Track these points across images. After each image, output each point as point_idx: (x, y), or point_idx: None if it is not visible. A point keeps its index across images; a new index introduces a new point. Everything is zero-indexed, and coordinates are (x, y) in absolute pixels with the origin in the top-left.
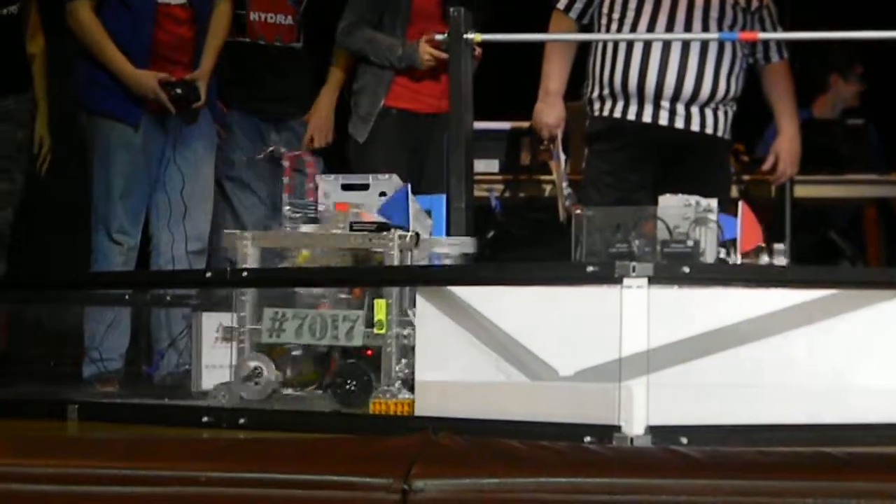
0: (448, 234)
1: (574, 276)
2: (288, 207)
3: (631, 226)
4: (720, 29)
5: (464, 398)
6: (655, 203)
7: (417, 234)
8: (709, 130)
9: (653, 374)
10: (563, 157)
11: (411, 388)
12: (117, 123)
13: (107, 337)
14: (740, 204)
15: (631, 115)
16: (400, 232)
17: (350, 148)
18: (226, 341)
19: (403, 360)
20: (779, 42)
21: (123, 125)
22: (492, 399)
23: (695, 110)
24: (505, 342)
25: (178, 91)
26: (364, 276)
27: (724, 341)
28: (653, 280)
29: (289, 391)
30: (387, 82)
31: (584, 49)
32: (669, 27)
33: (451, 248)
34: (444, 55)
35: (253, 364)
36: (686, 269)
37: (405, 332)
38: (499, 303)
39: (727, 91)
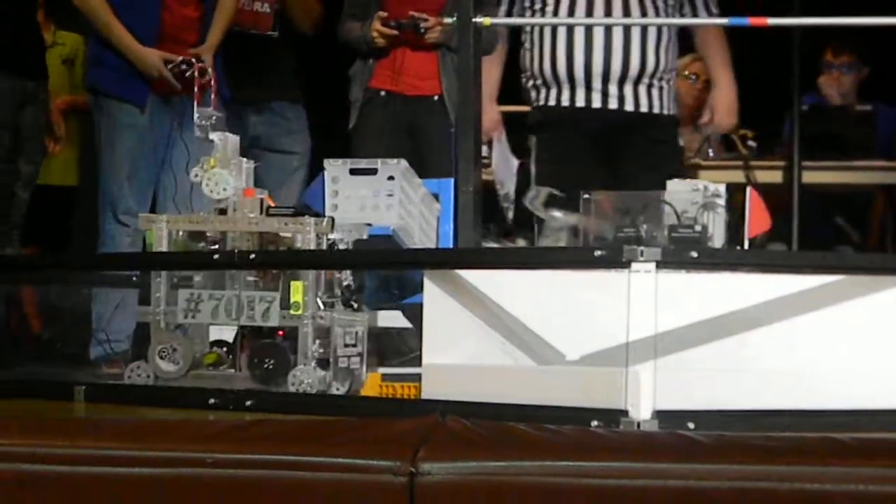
0: (456, 218)
1: (582, 259)
2: (197, 115)
3: (638, 210)
4: (643, 4)
5: (470, 381)
6: (606, 186)
7: (332, 219)
8: (643, 108)
9: (660, 358)
10: (507, 157)
11: (326, 368)
12: (124, 104)
13: (114, 318)
14: (748, 189)
15: (565, 101)
16: (316, 217)
17: None
18: (141, 321)
19: (318, 341)
20: (707, 4)
21: (130, 106)
22: (499, 382)
23: (628, 89)
24: (512, 326)
25: (183, 67)
26: (371, 258)
27: (731, 326)
28: (661, 264)
29: (203, 371)
30: (371, 67)
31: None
32: (589, 8)
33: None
34: (392, 32)
35: (167, 345)
36: (694, 254)
37: (321, 313)
38: (506, 286)
39: (657, 64)
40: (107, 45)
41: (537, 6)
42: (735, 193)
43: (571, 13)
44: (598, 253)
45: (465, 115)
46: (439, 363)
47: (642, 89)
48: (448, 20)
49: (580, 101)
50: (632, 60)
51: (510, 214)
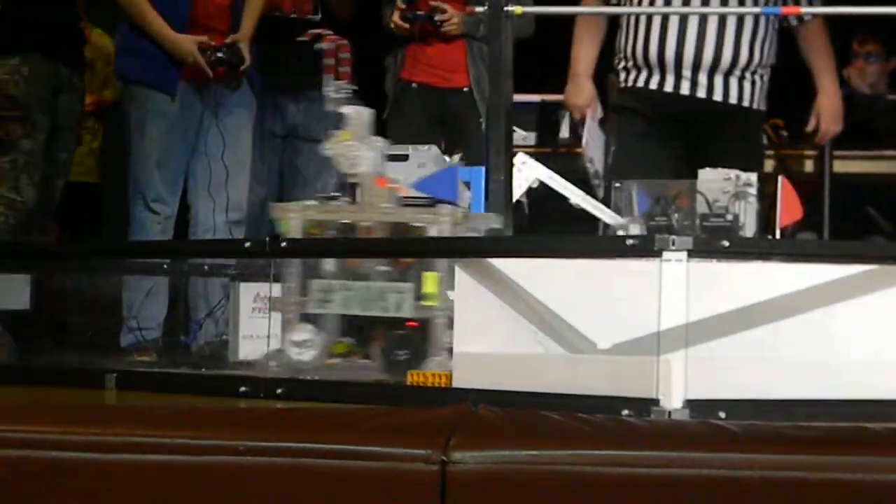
0: (486, 207)
1: (613, 248)
2: (331, 88)
3: (670, 199)
4: None
5: (502, 370)
6: (683, 174)
7: (468, 210)
8: (732, 100)
9: (691, 347)
10: (599, 135)
11: None
12: (154, 92)
13: (145, 306)
14: (780, 179)
15: (653, 85)
16: (450, 207)
17: None
18: (276, 311)
19: (449, 332)
20: (811, 1)
21: (160, 94)
22: (530, 371)
23: (718, 80)
24: (543, 314)
25: (220, 55)
26: (403, 247)
27: (762, 315)
28: (692, 253)
29: (335, 361)
30: (400, 57)
31: (614, 27)
32: None
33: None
34: (404, 25)
35: (302, 336)
36: (726, 243)
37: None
38: (537, 275)
39: (751, 58)
40: (139, 32)
41: None
42: (766, 183)
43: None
44: (629, 242)
45: (496, 103)
46: (471, 351)
47: (733, 81)
48: (479, 8)
49: (668, 87)
50: (724, 51)
51: (600, 192)
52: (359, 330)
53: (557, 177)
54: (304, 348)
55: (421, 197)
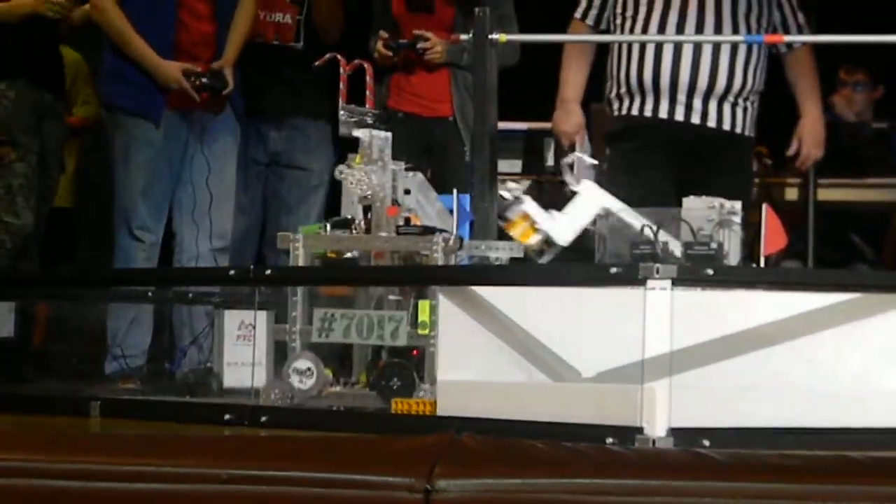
0: (472, 234)
1: (598, 277)
2: (343, 112)
3: (655, 227)
4: (735, 18)
5: (486, 398)
6: (677, 201)
7: (461, 238)
8: (726, 126)
9: (675, 375)
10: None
11: None
12: (139, 120)
13: (129, 334)
14: (764, 207)
15: (647, 112)
16: (444, 235)
17: None
18: (279, 339)
19: None
20: (800, 28)
21: (145, 122)
22: (514, 399)
23: (712, 105)
24: (528, 342)
25: (205, 80)
26: (387, 275)
27: (746, 344)
28: (676, 282)
29: (336, 389)
30: (386, 84)
31: (603, 54)
32: (681, 20)
33: (501, 251)
34: (387, 53)
35: (304, 364)
36: (710, 272)
37: None
38: (522, 303)
39: (744, 84)
40: (123, 58)
41: (628, 13)
42: (751, 211)
43: (662, 27)
44: (613, 270)
45: (480, 131)
46: (455, 379)
47: (727, 107)
48: (463, 36)
49: (663, 113)
50: (719, 76)
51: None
52: (349, 358)
53: (625, 205)
54: (305, 377)
55: (416, 226)
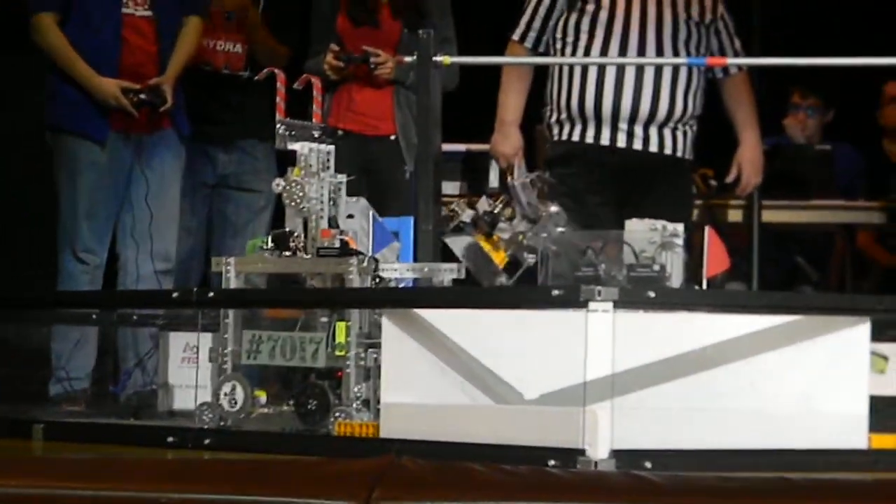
0: (415, 257)
1: (539, 299)
2: (280, 126)
3: (597, 249)
4: (675, 46)
5: (428, 421)
6: (619, 225)
7: (376, 260)
8: (668, 151)
9: (617, 398)
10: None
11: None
12: (83, 140)
13: (73, 356)
14: (707, 229)
15: (589, 139)
16: (359, 257)
17: None
18: (212, 361)
19: (365, 382)
20: (737, 54)
21: (89, 142)
22: (456, 422)
23: (653, 131)
24: (470, 365)
25: (143, 96)
26: (327, 297)
27: (689, 366)
28: (618, 304)
29: (264, 410)
30: (328, 102)
31: (541, 77)
32: (623, 48)
33: (445, 273)
34: (339, 65)
35: (230, 384)
36: (652, 294)
37: (365, 354)
38: (464, 325)
39: (685, 110)
40: (65, 80)
41: (569, 39)
42: (694, 233)
43: (604, 55)
44: (555, 292)
45: (424, 153)
46: (397, 402)
47: (667, 132)
48: (408, 59)
49: (605, 140)
50: (661, 104)
51: None
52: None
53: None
54: (233, 398)
55: (332, 248)
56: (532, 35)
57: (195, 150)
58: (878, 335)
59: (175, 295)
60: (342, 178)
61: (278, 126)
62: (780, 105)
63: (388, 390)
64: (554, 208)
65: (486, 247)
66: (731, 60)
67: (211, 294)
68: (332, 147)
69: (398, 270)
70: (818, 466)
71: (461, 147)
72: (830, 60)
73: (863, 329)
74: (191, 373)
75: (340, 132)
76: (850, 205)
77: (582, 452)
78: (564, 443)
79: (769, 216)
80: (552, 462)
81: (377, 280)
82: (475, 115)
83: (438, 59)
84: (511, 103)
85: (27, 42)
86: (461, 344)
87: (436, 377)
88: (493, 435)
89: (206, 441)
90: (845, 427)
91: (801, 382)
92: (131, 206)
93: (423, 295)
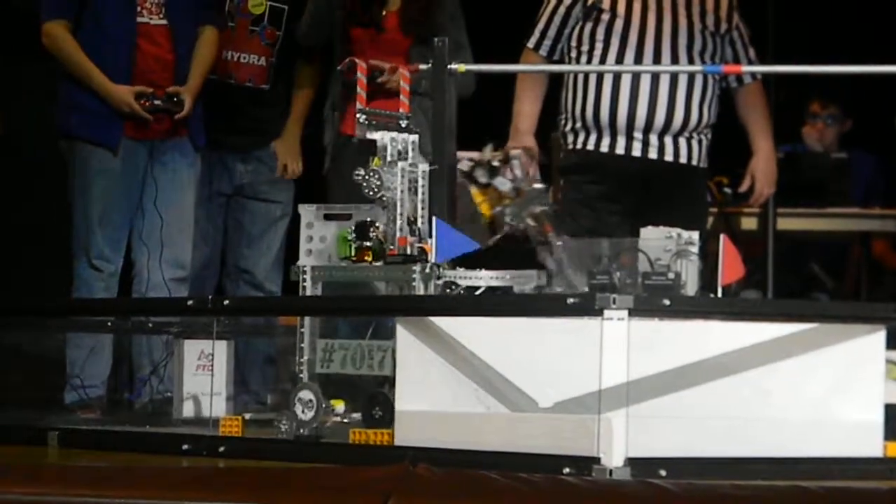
0: None
1: (555, 307)
2: (360, 115)
3: (612, 257)
4: (690, 55)
5: (443, 428)
6: (632, 233)
7: (438, 265)
8: (682, 160)
9: (633, 405)
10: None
11: None
12: (96, 148)
13: (88, 364)
14: (721, 237)
15: (604, 148)
16: (420, 264)
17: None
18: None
19: None
20: (751, 63)
21: (102, 150)
22: (471, 430)
23: (668, 140)
24: (485, 373)
25: (158, 102)
26: (344, 304)
27: (704, 374)
28: (633, 312)
29: (336, 419)
30: (339, 111)
31: (555, 85)
32: (638, 57)
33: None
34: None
35: (307, 395)
36: (667, 302)
37: None
38: (479, 333)
39: (700, 119)
40: (78, 87)
41: (584, 48)
42: (709, 241)
43: (620, 62)
44: (570, 300)
45: (439, 161)
46: (412, 409)
47: (682, 141)
48: (423, 66)
49: (620, 149)
50: (676, 113)
51: None
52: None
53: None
54: (307, 407)
55: (400, 255)
56: (547, 43)
57: (212, 160)
58: (893, 343)
59: (190, 303)
60: (424, 167)
61: (359, 115)
62: (797, 113)
63: (403, 398)
64: (539, 185)
65: (478, 198)
66: (746, 68)
67: (226, 302)
68: (414, 136)
69: (482, 279)
70: (833, 475)
71: (475, 155)
72: (847, 68)
73: (878, 337)
74: (205, 380)
75: (354, 140)
76: (865, 213)
77: (597, 460)
78: (579, 451)
79: (784, 224)
80: (567, 470)
81: (451, 287)
82: (491, 123)
83: (454, 66)
84: (525, 112)
85: (37, 49)
86: (476, 352)
87: (451, 385)
88: (507, 443)
89: (221, 449)
90: (860, 435)
91: (816, 390)
92: (144, 212)
93: (437, 302)
